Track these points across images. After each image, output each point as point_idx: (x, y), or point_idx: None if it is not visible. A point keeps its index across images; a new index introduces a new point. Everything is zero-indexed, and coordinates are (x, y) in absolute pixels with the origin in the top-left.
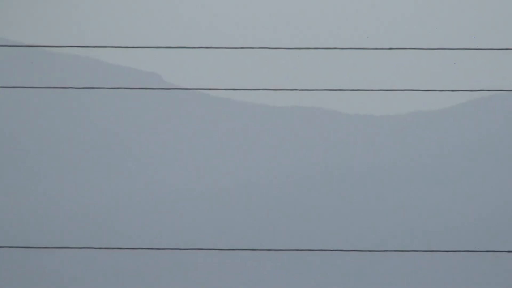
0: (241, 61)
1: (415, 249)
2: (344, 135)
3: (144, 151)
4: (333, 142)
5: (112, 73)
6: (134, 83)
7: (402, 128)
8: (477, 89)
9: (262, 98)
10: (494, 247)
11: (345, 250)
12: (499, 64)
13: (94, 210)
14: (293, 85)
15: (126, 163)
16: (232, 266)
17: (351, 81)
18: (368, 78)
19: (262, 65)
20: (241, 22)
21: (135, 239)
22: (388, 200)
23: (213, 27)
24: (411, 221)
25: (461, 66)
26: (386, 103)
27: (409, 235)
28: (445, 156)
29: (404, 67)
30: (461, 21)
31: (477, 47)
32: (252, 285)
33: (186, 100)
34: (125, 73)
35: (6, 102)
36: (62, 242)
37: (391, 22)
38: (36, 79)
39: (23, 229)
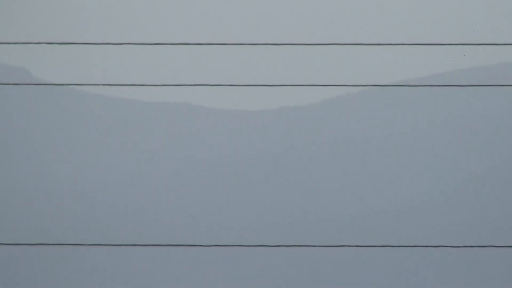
0: (111, 57)
1: (270, 244)
2: (213, 130)
3: (6, 147)
4: (201, 137)
5: None
6: (2, 78)
7: (271, 123)
8: (347, 84)
9: (129, 93)
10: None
11: (202, 245)
12: (369, 60)
13: None
14: (161, 81)
15: None
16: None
17: (220, 76)
18: (239, 73)
19: (133, 61)
20: (105, 19)
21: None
22: (256, 195)
23: (79, 23)
24: (276, 215)
25: (330, 61)
26: (256, 98)
27: (268, 229)
28: (313, 151)
29: (273, 62)
30: (333, 13)
31: (345, 42)
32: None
33: (55, 95)
34: None
35: None
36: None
37: (261, 17)
38: None
39: None
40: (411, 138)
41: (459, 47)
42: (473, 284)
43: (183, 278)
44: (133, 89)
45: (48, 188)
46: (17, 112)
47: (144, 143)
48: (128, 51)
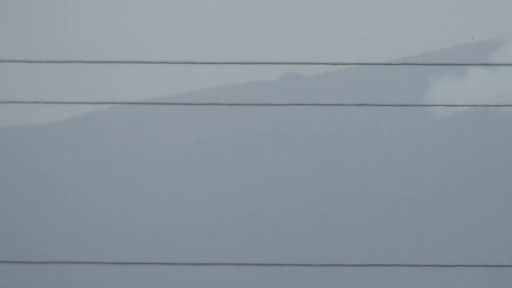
0: None
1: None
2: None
3: None
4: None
5: None
6: None
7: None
8: (98, 101)
9: None
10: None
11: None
12: (125, 77)
13: None
14: None
15: None
16: None
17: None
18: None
19: None
20: None
21: None
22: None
23: None
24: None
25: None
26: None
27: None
28: (73, 168)
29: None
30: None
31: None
32: None
33: None
34: None
35: None
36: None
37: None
38: None
39: None
40: (176, 158)
41: (223, 66)
42: None
43: None
44: None
45: None
46: None
47: None
48: None
